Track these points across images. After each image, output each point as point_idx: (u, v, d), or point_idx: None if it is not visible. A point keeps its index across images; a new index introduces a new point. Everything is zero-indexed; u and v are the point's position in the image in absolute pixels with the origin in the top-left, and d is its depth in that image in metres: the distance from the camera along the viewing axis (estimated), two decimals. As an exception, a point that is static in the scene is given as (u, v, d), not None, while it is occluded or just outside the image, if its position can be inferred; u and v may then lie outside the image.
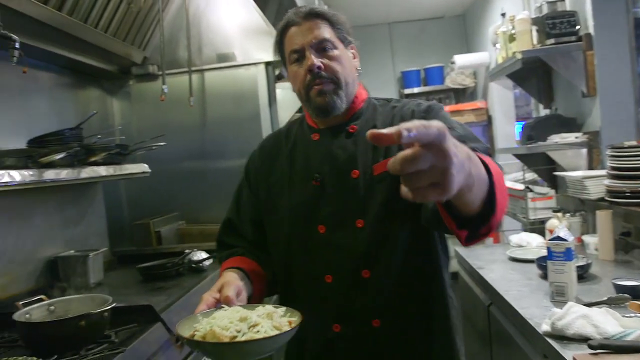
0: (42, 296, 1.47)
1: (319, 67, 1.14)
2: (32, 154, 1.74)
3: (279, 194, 1.25)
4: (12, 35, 1.43)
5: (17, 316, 1.35)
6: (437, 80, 5.25)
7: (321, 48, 1.16)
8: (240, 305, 0.95)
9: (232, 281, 1.06)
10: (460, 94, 5.34)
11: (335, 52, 1.17)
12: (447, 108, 4.76)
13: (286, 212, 1.22)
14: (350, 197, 1.16)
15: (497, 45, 2.99)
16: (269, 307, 0.90)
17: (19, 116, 2.05)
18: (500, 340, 1.84)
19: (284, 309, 0.91)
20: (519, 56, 2.49)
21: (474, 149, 0.80)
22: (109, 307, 1.38)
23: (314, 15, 1.18)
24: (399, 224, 1.15)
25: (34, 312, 1.43)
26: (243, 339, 0.80)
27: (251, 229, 1.30)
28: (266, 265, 1.25)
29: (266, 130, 3.04)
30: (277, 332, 0.82)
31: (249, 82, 2.90)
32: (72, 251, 2.12)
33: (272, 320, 0.85)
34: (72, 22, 2.06)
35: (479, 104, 4.66)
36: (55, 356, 1.17)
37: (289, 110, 3.50)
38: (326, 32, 1.17)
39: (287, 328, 0.84)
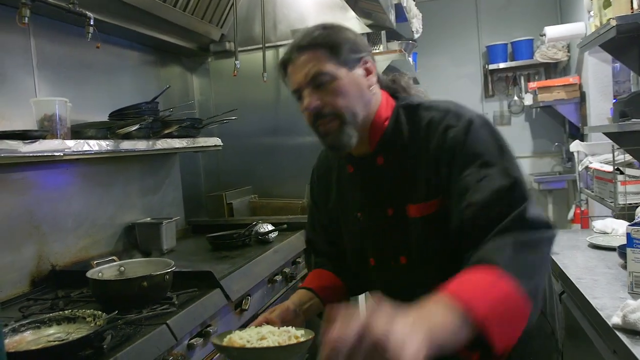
0: (114, 257, 1.58)
1: (316, 107, 1.06)
2: (111, 126, 1.87)
3: (336, 221, 1.29)
4: (87, 12, 1.53)
5: (90, 274, 1.47)
6: (525, 55, 4.91)
7: (318, 83, 1.07)
8: (274, 325, 1.09)
9: (285, 304, 1.17)
10: (552, 69, 4.96)
11: (334, 85, 1.06)
12: (536, 84, 4.45)
13: (345, 241, 1.28)
14: (389, 234, 1.15)
15: (591, 13, 2.72)
16: (292, 330, 1.02)
17: (105, 92, 2.20)
18: (570, 331, 1.72)
19: (303, 331, 1.02)
20: (613, 23, 2.25)
21: (498, 191, 0.96)
22: (169, 270, 1.46)
23: (303, 47, 1.08)
24: (442, 260, 1.09)
25: (106, 271, 1.54)
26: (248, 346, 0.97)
27: (326, 246, 1.35)
28: (344, 274, 1.29)
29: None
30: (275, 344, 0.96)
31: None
32: (149, 219, 2.26)
33: (279, 337, 0.98)
34: (153, 2, 2.16)
35: (571, 79, 4.31)
36: (117, 311, 1.26)
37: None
38: (321, 62, 1.06)
39: (289, 343, 0.97)
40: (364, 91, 1.10)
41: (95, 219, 2.03)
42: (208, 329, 1.47)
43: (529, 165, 5.07)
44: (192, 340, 1.40)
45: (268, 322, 1.09)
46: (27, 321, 1.24)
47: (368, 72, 1.12)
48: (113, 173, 2.17)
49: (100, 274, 1.52)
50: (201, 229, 2.53)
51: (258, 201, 2.89)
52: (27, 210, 1.74)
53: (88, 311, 1.28)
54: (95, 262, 1.53)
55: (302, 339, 0.98)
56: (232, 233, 2.23)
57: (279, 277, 2.07)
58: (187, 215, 2.70)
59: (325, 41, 1.08)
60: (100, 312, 1.26)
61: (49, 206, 1.83)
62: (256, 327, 1.07)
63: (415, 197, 1.09)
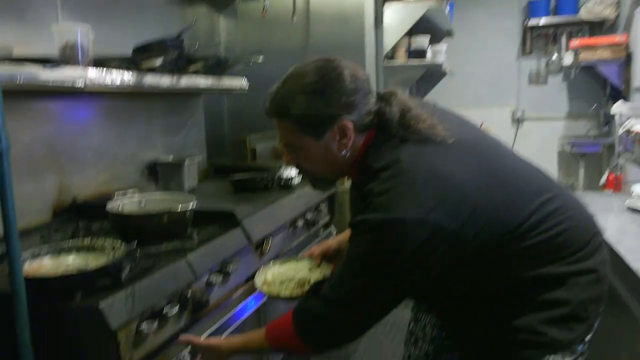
0: (134, 188, 1.55)
1: (291, 165, 1.18)
2: (134, 59, 1.80)
3: None
4: None
5: (110, 207, 1.44)
6: (569, 9, 4.63)
7: (289, 149, 1.15)
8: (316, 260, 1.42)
9: (328, 242, 1.43)
10: (596, 28, 4.67)
11: (302, 154, 1.13)
12: (578, 42, 4.20)
13: None
14: None
15: (651, -39, 2.50)
16: (324, 268, 1.39)
17: (128, 30, 2.11)
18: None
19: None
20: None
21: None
22: (190, 206, 1.43)
23: (269, 114, 1.13)
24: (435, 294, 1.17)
25: (126, 205, 1.51)
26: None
27: None
28: None
29: (370, 56, 2.90)
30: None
31: (354, 1, 2.76)
32: (171, 157, 2.22)
33: (311, 274, 1.37)
34: None
35: (618, 38, 4.06)
36: (136, 241, 1.23)
37: (396, 34, 3.30)
38: (287, 133, 1.11)
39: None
40: (334, 157, 1.11)
41: (116, 154, 2.00)
42: (228, 268, 1.44)
43: (563, 127, 4.88)
44: (211, 278, 1.37)
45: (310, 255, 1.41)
46: (47, 248, 1.22)
47: (342, 134, 1.08)
48: (135, 109, 2.12)
49: (120, 207, 1.49)
50: (223, 171, 2.48)
51: (281, 147, 2.83)
52: (47, 141, 1.71)
53: (108, 241, 1.25)
54: (115, 195, 1.50)
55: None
56: (255, 176, 2.18)
57: (300, 222, 2.03)
58: (210, 157, 2.66)
59: (285, 109, 1.08)
60: (119, 242, 1.23)
61: (70, 138, 1.79)
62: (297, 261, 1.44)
63: None
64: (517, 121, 5.03)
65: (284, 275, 1.37)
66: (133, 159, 2.09)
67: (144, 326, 1.10)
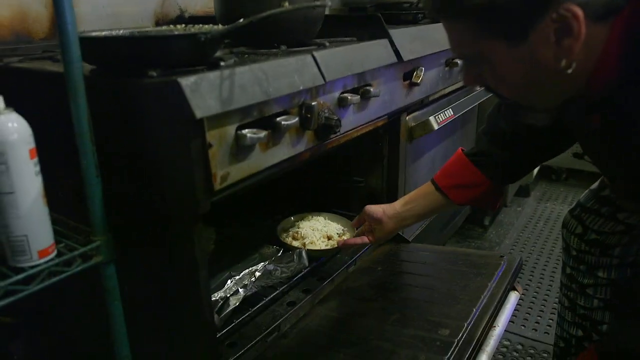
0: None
1: (472, 85, 0.90)
2: None
3: None
4: None
5: None
6: None
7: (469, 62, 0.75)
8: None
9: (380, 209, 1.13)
10: None
11: (489, 70, 0.70)
12: None
13: None
14: None
15: None
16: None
17: None
18: None
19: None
20: None
21: None
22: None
23: (434, 13, 0.71)
24: None
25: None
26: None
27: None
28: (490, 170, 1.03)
29: None
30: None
31: None
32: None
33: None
34: None
35: None
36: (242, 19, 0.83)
37: None
38: (461, 36, 0.70)
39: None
40: (547, 71, 0.66)
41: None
42: (368, 87, 1.02)
43: None
44: (344, 94, 0.96)
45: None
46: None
47: (565, 30, 0.61)
48: None
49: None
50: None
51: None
52: None
53: (206, 27, 0.88)
54: None
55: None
56: (399, 4, 1.68)
57: (458, 63, 1.52)
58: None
59: (464, 4, 0.65)
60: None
61: None
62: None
63: None
64: None
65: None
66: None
67: (247, 133, 0.73)
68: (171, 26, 0.94)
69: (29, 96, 0.80)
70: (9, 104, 0.64)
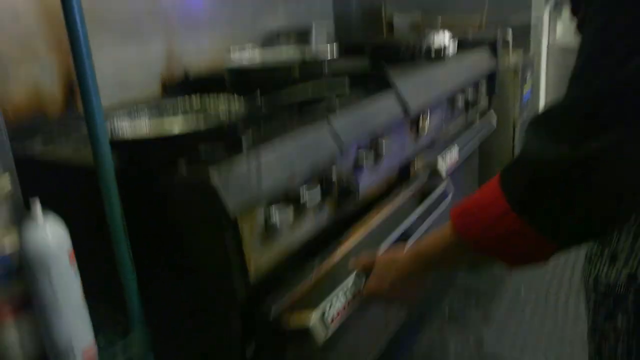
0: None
1: None
2: None
3: None
4: None
5: (228, 63, 1.09)
6: None
7: None
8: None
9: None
10: None
11: None
12: None
13: None
14: None
15: None
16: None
17: None
18: None
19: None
20: None
21: None
22: (324, 59, 1.02)
23: None
24: None
25: (246, 60, 1.15)
26: None
27: None
28: None
29: None
30: None
31: None
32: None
33: None
34: None
35: None
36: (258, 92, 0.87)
37: None
38: None
39: None
40: None
41: (231, 20, 1.64)
42: (380, 145, 1.04)
43: None
44: (359, 156, 0.98)
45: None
46: (143, 107, 0.91)
47: None
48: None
49: (240, 61, 1.13)
50: (351, 50, 2.04)
51: (425, 18, 2.29)
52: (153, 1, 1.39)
53: (222, 99, 0.90)
54: (231, 50, 1.15)
55: None
56: (398, 45, 1.72)
57: (460, 100, 1.55)
58: (337, 30, 2.21)
59: None
60: (236, 99, 0.87)
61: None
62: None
63: None
64: None
65: None
66: (252, 26, 1.72)
67: (274, 214, 0.75)
68: (186, 104, 0.96)
69: (56, 188, 0.82)
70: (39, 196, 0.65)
